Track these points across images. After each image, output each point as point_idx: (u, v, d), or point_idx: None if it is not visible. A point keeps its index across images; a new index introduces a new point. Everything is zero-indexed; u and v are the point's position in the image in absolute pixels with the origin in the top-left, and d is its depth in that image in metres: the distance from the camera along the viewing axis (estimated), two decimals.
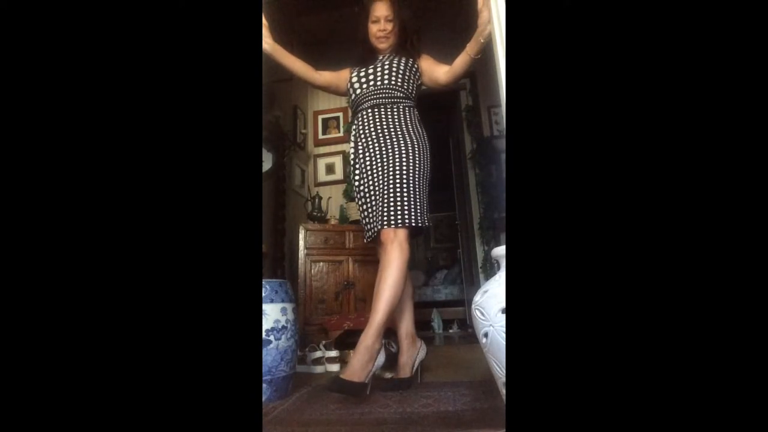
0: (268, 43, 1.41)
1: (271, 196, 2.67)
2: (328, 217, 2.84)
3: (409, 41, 1.51)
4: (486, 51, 1.23)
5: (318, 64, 1.55)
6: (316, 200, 2.85)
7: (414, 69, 1.49)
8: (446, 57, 1.47)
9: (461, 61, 1.39)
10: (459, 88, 3.29)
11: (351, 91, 1.51)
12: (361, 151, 1.45)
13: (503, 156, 2.80)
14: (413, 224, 1.30)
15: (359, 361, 1.14)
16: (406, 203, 1.31)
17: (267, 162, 2.57)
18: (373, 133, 1.42)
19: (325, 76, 1.55)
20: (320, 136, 3.47)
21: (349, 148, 1.57)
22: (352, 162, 1.51)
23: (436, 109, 3.64)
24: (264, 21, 1.36)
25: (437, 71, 1.48)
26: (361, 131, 1.45)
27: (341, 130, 3.38)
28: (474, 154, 3.14)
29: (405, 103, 1.45)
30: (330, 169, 3.37)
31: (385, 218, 1.30)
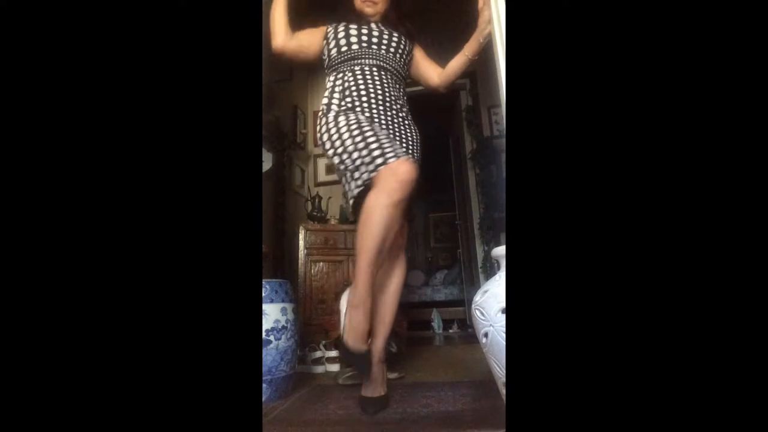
0: None
1: (271, 196, 2.67)
2: (328, 217, 2.83)
3: (393, 11, 1.32)
4: (486, 51, 1.21)
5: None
6: (316, 200, 2.84)
7: (411, 55, 1.35)
8: (445, 57, 1.39)
9: (457, 63, 1.28)
10: (459, 88, 3.29)
11: (342, 44, 1.24)
12: (364, 96, 1.16)
13: (503, 156, 2.80)
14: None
15: (381, 374, 1.13)
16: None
17: (267, 162, 2.56)
18: (381, 94, 1.18)
19: (299, 39, 1.28)
20: None
21: (333, 87, 1.22)
22: (346, 93, 1.17)
23: (436, 109, 3.63)
24: None
25: (429, 71, 1.37)
26: (361, 84, 1.19)
27: None
28: (474, 154, 3.14)
29: (402, 84, 1.31)
30: (330, 169, 3.36)
31: None
